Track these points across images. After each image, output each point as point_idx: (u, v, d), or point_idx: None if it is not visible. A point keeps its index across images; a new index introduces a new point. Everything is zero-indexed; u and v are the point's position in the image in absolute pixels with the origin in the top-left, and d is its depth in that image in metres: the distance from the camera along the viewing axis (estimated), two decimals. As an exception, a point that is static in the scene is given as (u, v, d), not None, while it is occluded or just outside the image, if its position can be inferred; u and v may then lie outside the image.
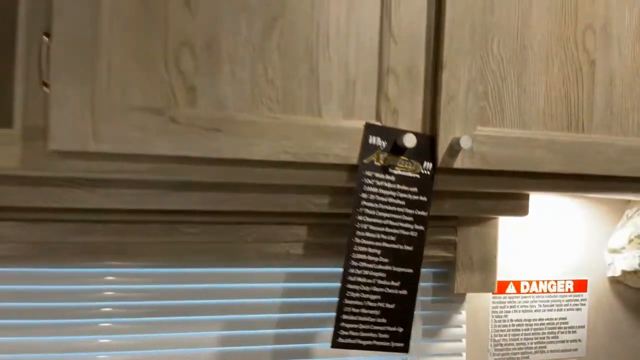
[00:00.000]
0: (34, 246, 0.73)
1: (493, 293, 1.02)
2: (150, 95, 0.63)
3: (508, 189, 0.80)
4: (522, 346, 1.06)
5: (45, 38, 0.60)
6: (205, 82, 0.65)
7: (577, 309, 1.10)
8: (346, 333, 0.70)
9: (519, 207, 0.91)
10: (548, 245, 1.08)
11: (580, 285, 1.10)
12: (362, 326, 0.70)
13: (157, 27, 0.63)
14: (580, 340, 1.10)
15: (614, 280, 1.13)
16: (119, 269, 0.81)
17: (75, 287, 0.81)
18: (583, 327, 1.10)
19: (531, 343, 1.07)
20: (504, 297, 1.05)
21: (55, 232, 0.72)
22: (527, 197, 0.94)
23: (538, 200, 1.05)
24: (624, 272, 1.07)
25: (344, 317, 0.69)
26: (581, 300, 1.10)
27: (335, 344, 0.69)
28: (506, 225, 1.04)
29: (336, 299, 0.73)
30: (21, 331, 0.79)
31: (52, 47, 0.59)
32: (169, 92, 0.64)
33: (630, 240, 1.06)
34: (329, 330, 0.83)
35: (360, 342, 0.70)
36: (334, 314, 0.74)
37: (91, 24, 0.60)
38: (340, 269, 0.75)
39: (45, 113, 0.60)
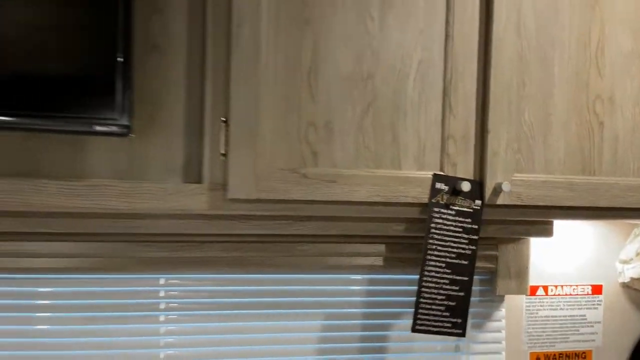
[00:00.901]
0: (215, 258, 1.01)
1: (526, 295, 1.23)
2: (289, 159, 0.90)
3: (537, 218, 1.04)
4: (549, 337, 1.27)
5: (223, 123, 0.88)
6: (324, 149, 0.91)
7: (594, 308, 1.30)
8: (421, 322, 0.95)
9: (545, 230, 1.13)
10: (570, 257, 1.29)
11: (596, 289, 1.30)
12: (432, 317, 0.95)
13: (293, 114, 0.90)
14: (596, 333, 1.30)
15: (624, 285, 1.32)
16: (256, 274, 1.08)
17: (234, 288, 1.07)
18: (599, 322, 1.30)
19: (557, 335, 1.27)
20: (535, 298, 1.26)
21: (219, 249, 1.01)
22: (552, 222, 1.15)
23: (561, 224, 1.22)
24: (632, 279, 1.28)
25: (420, 311, 0.94)
26: (597, 300, 1.30)
27: (414, 330, 0.95)
28: (536, 243, 1.24)
29: (409, 298, 0.98)
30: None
31: (229, 129, 0.87)
32: (301, 157, 0.91)
33: (637, 254, 1.26)
34: (403, 321, 1.11)
35: (431, 328, 0.95)
36: (409, 310, 0.99)
37: (254, 113, 0.88)
38: (413, 276, 1.00)
39: (224, 174, 0.87)
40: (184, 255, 1.01)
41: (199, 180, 0.90)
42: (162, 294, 1.04)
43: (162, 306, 1.04)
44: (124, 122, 0.73)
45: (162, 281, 1.04)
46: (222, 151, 0.88)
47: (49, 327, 1.01)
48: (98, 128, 0.72)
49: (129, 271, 1.02)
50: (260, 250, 1.03)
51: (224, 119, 0.88)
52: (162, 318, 1.04)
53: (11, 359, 1.00)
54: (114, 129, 0.72)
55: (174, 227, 0.94)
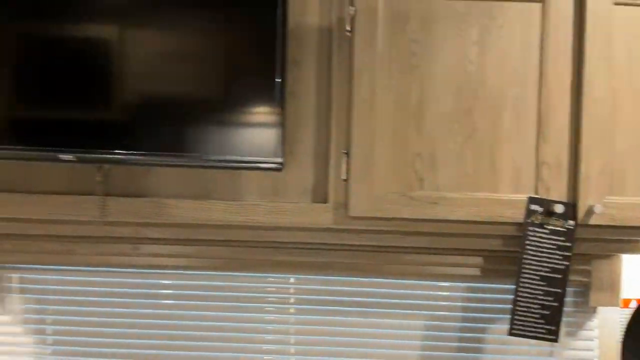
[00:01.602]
0: (335, 263, 1.18)
1: (619, 307, 1.25)
2: (399, 184, 1.05)
3: (629, 237, 1.08)
4: (643, 348, 1.28)
5: (344, 154, 1.04)
6: (429, 175, 1.05)
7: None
8: (517, 327, 1.05)
9: (638, 247, 1.16)
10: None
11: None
12: (527, 324, 1.05)
13: (402, 145, 1.05)
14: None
15: None
16: (369, 278, 1.23)
17: (351, 289, 1.24)
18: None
19: (650, 345, 1.29)
20: (629, 311, 1.27)
21: (339, 256, 1.18)
22: (643, 240, 1.20)
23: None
24: None
25: (516, 317, 1.04)
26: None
27: (510, 333, 1.05)
28: (630, 256, 1.25)
29: (504, 306, 1.08)
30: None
31: (350, 159, 1.04)
32: (409, 182, 1.05)
33: None
34: (499, 326, 1.21)
35: (527, 333, 1.04)
36: (503, 316, 1.08)
37: (370, 146, 1.04)
38: (507, 286, 1.10)
39: (346, 196, 1.05)
40: (311, 260, 1.20)
41: (325, 201, 1.08)
42: (292, 290, 1.25)
43: (291, 301, 1.25)
44: (280, 160, 0.94)
45: (292, 280, 1.25)
46: (344, 177, 1.06)
47: (197, 312, 1.24)
48: (261, 165, 0.92)
49: (265, 271, 1.23)
50: (373, 258, 1.19)
51: (345, 151, 1.06)
52: (291, 310, 1.25)
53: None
54: (272, 165, 0.93)
55: (304, 237, 1.14)
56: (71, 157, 0.90)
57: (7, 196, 1.08)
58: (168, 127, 0.98)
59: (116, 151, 0.93)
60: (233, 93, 1.01)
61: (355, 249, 1.17)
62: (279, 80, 0.98)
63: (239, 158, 0.94)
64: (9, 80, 1.02)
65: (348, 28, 1.05)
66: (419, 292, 1.26)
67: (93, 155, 0.93)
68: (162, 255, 1.19)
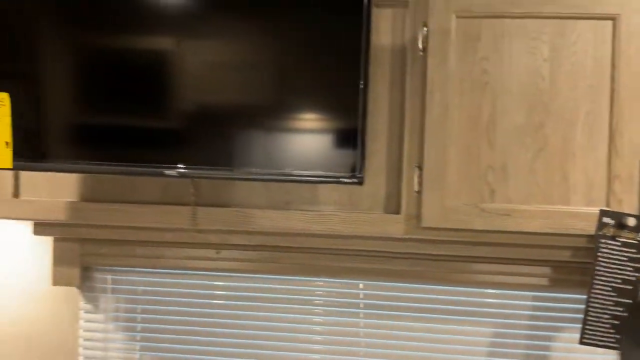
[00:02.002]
0: (403, 271, 1.23)
1: None
2: (471, 196, 1.09)
3: None
4: None
5: (417, 167, 1.10)
6: (500, 187, 1.08)
7: None
8: (588, 336, 1.07)
9: None
10: None
11: None
12: (598, 333, 1.07)
13: (474, 159, 1.10)
14: None
15: None
16: (437, 285, 1.28)
17: (418, 295, 1.29)
18: None
19: None
20: None
21: (407, 264, 1.23)
22: None
23: None
24: None
25: (587, 327, 1.06)
26: None
27: (581, 342, 1.07)
28: None
29: (573, 315, 1.10)
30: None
31: (422, 172, 1.09)
32: (480, 194, 1.09)
33: None
34: (567, 334, 1.23)
35: (597, 342, 1.06)
36: (571, 325, 1.10)
37: (443, 160, 1.09)
38: (576, 295, 1.12)
39: (418, 207, 1.10)
40: (379, 267, 1.26)
41: (397, 212, 1.14)
42: (361, 296, 1.31)
43: (361, 305, 1.31)
44: (361, 175, 1.00)
45: (361, 286, 1.31)
46: (416, 189, 1.11)
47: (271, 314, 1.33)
48: (343, 180, 0.99)
49: (337, 276, 1.29)
50: (442, 267, 1.24)
51: (417, 165, 1.11)
52: (361, 314, 1.31)
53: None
54: (354, 180, 0.99)
55: (377, 246, 1.20)
56: (174, 173, 1.00)
57: (105, 206, 1.18)
58: (259, 145, 1.06)
59: (212, 168, 1.01)
60: (318, 110, 1.07)
61: (424, 257, 1.23)
62: (362, 97, 1.03)
63: (322, 173, 1.01)
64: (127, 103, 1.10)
65: (421, 47, 1.12)
66: (487, 300, 1.29)
67: (193, 172, 1.02)
68: (243, 260, 1.28)
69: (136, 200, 1.20)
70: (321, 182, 1.06)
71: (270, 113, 1.08)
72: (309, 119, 1.09)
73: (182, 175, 1.00)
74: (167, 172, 0.99)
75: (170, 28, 1.06)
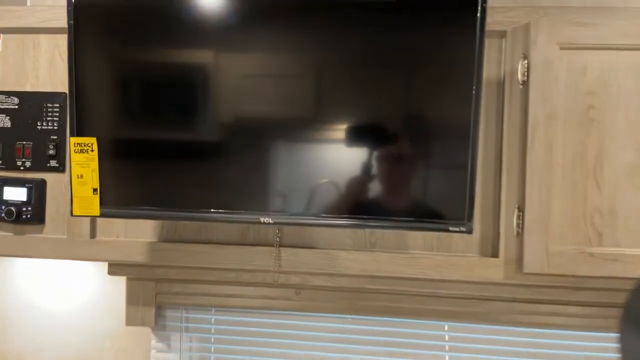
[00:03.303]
0: (492, 314, 1.17)
1: None
2: (576, 240, 1.02)
3: None
4: None
5: (517, 209, 1.04)
6: (608, 231, 1.02)
7: None
8: None
9: None
10: None
11: None
12: None
13: (580, 201, 1.03)
14: None
15: None
16: (526, 328, 1.22)
17: (506, 338, 1.23)
18: None
19: None
20: None
21: (497, 308, 1.17)
22: None
23: None
24: None
25: None
26: None
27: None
28: None
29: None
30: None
31: (523, 215, 1.03)
32: (587, 238, 1.02)
33: None
34: None
35: None
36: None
37: (546, 201, 1.02)
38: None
39: (519, 251, 1.04)
40: (467, 310, 1.20)
41: (495, 255, 1.08)
42: (446, 337, 1.25)
43: (446, 347, 1.25)
44: (470, 223, 0.93)
45: (446, 327, 1.25)
46: (516, 232, 1.05)
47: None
48: (451, 229, 0.93)
49: (420, 318, 1.23)
50: (532, 310, 1.16)
51: (518, 206, 1.05)
52: (447, 357, 1.25)
53: None
54: (462, 229, 0.93)
55: (468, 290, 1.14)
56: (270, 220, 0.96)
57: (183, 247, 1.14)
58: (365, 194, 0.97)
59: (306, 216, 0.95)
60: (429, 154, 0.95)
61: (511, 300, 1.16)
62: (473, 136, 0.92)
63: (428, 220, 0.93)
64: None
65: (521, 80, 1.06)
66: (580, 343, 1.22)
67: (286, 220, 0.97)
68: (323, 301, 1.23)
69: (215, 241, 1.17)
70: (426, 229, 0.96)
71: (383, 166, 0.97)
72: (420, 166, 0.97)
73: (276, 223, 0.95)
74: (263, 219, 0.95)
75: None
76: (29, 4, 1.31)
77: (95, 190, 0.95)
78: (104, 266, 1.29)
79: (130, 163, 0.98)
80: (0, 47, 1.18)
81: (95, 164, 0.94)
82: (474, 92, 0.89)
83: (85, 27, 0.95)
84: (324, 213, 0.96)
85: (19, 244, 1.17)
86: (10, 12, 1.16)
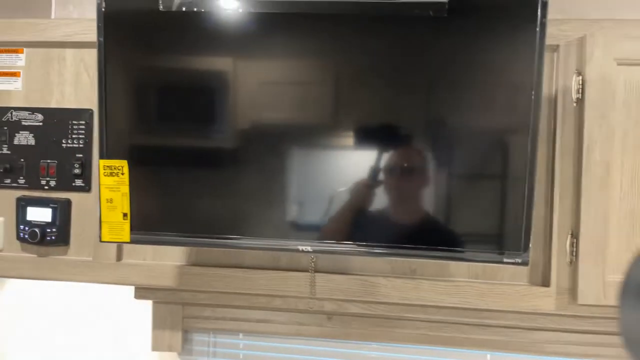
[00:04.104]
0: (539, 344, 1.12)
1: None
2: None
3: None
4: None
5: (570, 235, 0.98)
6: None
7: None
8: None
9: None
10: None
11: None
12: None
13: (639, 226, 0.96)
14: None
15: None
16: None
17: None
18: None
19: None
20: None
21: (545, 337, 1.10)
22: None
23: None
24: None
25: None
26: None
27: None
28: None
29: None
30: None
31: (578, 241, 0.97)
32: (647, 267, 0.95)
33: None
34: None
35: None
36: None
37: (602, 227, 0.95)
38: None
39: (572, 280, 0.97)
40: (511, 340, 1.13)
41: (544, 284, 1.01)
42: (488, 368, 1.20)
43: (488, 378, 1.20)
44: (527, 254, 0.87)
45: (488, 357, 1.19)
46: (569, 260, 0.99)
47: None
48: (505, 260, 0.87)
49: (461, 347, 1.16)
50: (583, 341, 1.10)
51: (571, 232, 0.99)
52: (490, 389, 1.20)
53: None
54: (517, 260, 0.87)
55: (513, 320, 1.08)
56: (309, 248, 0.91)
57: (213, 271, 1.09)
58: (415, 224, 0.91)
59: (345, 244, 0.90)
60: (480, 180, 0.89)
61: (566, 330, 1.09)
62: (530, 158, 0.85)
63: (480, 251, 0.86)
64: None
65: (575, 98, 0.99)
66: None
67: (326, 248, 0.91)
68: (356, 327, 1.17)
69: (246, 265, 1.12)
70: (476, 261, 0.89)
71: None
72: (471, 197, 0.92)
73: (316, 251, 0.90)
74: (302, 247, 0.90)
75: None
76: (53, 16, 1.28)
77: (125, 215, 0.91)
78: (127, 288, 1.24)
79: (163, 185, 0.94)
80: (23, 61, 1.16)
81: (125, 188, 0.90)
82: (532, 114, 0.84)
83: (115, 43, 0.91)
84: (364, 240, 0.91)
85: (43, 267, 1.13)
86: (34, 25, 1.13)
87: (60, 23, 1.13)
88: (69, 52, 1.13)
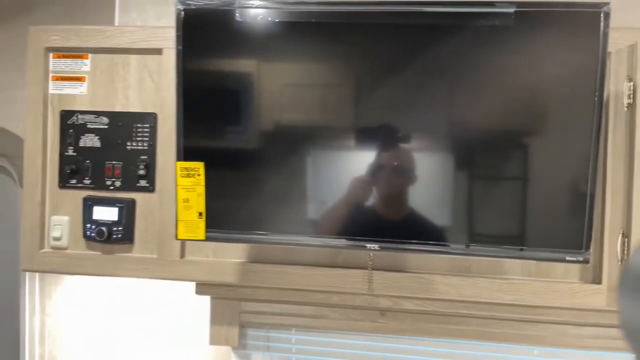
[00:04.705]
0: (583, 337, 1.16)
1: None
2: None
3: None
4: None
5: (622, 237, 1.02)
6: None
7: None
8: None
9: None
10: None
11: None
12: None
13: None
14: None
15: None
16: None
17: None
18: None
19: None
20: None
21: (592, 332, 1.16)
22: None
23: None
24: None
25: None
26: None
27: None
28: None
29: None
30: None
31: (629, 241, 1.01)
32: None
33: None
34: None
35: None
36: None
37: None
38: None
39: (624, 278, 1.01)
40: (560, 335, 1.17)
41: (596, 281, 1.06)
42: (535, 361, 1.25)
43: (536, 372, 1.25)
44: (588, 252, 0.91)
45: (536, 352, 1.24)
46: (620, 259, 1.03)
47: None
48: (568, 258, 0.91)
49: (510, 342, 1.21)
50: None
51: (622, 232, 1.03)
52: (536, 381, 1.25)
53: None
54: (579, 258, 0.91)
55: (565, 316, 1.12)
56: (377, 247, 0.95)
57: (273, 267, 1.14)
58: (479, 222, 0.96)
59: (413, 242, 0.95)
60: (542, 179, 0.93)
61: (614, 326, 1.13)
62: (593, 158, 0.90)
63: (542, 250, 0.91)
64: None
65: (626, 103, 1.04)
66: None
67: (394, 245, 0.97)
68: (410, 322, 1.22)
69: (305, 262, 1.16)
70: (539, 259, 0.93)
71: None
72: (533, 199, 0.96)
73: (383, 249, 0.95)
74: (369, 245, 0.95)
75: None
76: (116, 23, 1.33)
77: (200, 214, 0.96)
78: (181, 284, 1.29)
79: (234, 185, 0.99)
80: (88, 66, 1.21)
81: (201, 188, 0.95)
82: (594, 119, 0.88)
83: (191, 50, 0.96)
84: (426, 239, 0.96)
85: (109, 264, 1.18)
86: (99, 32, 1.18)
87: (125, 30, 1.18)
88: (133, 58, 1.19)
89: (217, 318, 1.27)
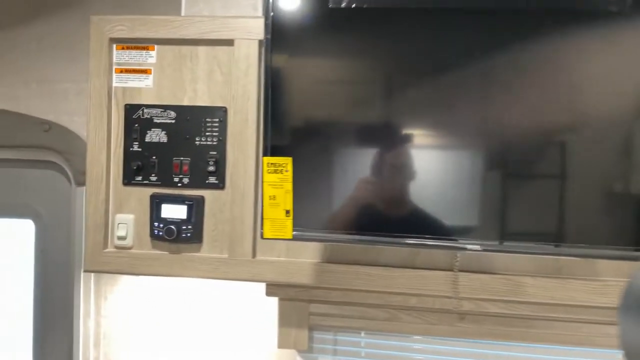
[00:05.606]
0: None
1: None
2: None
3: None
4: None
5: None
6: None
7: None
8: None
9: None
10: None
11: None
12: None
13: None
14: None
15: None
16: None
17: None
18: None
19: None
20: None
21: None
22: None
23: None
24: None
25: None
26: None
27: None
28: None
29: None
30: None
31: None
32: None
33: None
34: None
35: None
36: None
37: None
38: None
39: None
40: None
41: None
42: (620, 368, 1.19)
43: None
44: None
45: (619, 357, 1.18)
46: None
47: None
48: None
49: (596, 345, 1.14)
50: None
51: None
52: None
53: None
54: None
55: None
56: (478, 247, 0.91)
57: (349, 268, 1.10)
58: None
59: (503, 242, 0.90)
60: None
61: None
62: None
63: (615, 250, 0.87)
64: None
65: None
66: None
67: (494, 248, 0.90)
68: (488, 326, 1.16)
69: (382, 263, 1.12)
70: (614, 258, 0.90)
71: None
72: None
73: (485, 250, 0.90)
74: (469, 247, 0.90)
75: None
76: (183, 13, 1.29)
77: (287, 212, 0.92)
78: (246, 285, 1.23)
79: (319, 184, 0.95)
80: (154, 58, 1.18)
81: (289, 185, 0.91)
82: None
83: (280, 41, 0.92)
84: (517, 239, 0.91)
85: (177, 264, 1.14)
86: (168, 23, 1.14)
87: (194, 20, 1.14)
88: (202, 50, 1.14)
89: (285, 320, 1.22)
